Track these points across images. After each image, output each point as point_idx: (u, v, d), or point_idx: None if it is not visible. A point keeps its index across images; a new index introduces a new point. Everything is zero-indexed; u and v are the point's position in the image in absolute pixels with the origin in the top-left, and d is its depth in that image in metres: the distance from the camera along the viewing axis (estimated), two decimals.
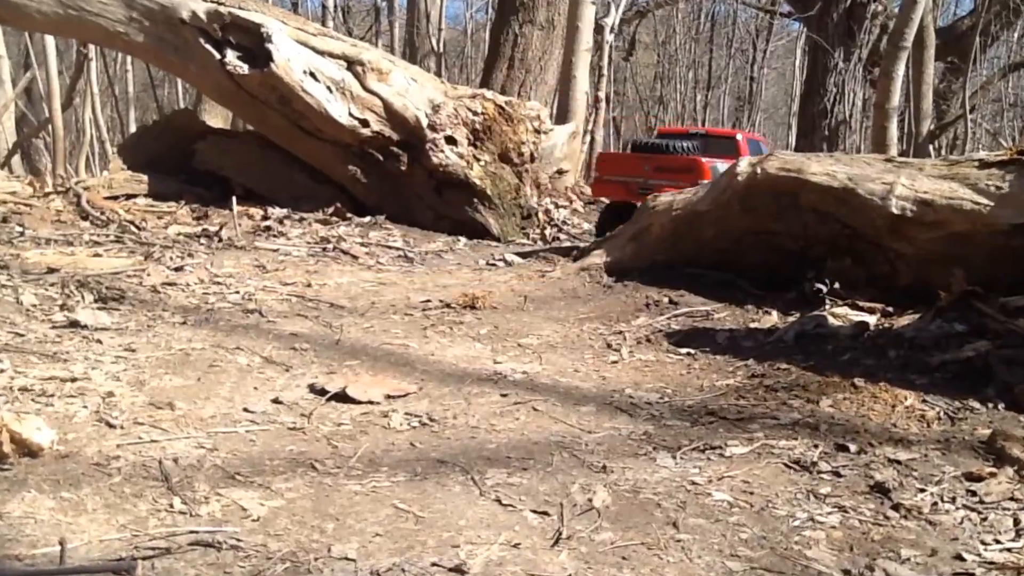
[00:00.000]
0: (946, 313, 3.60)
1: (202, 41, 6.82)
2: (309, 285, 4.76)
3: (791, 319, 4.07)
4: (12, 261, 4.43)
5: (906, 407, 2.95)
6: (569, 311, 4.48)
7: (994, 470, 2.44)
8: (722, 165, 6.16)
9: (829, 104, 13.21)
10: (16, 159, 11.99)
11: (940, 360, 3.28)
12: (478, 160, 7.27)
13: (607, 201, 7.80)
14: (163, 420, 2.65)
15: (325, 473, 2.35)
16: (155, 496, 2.14)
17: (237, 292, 4.42)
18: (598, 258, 5.33)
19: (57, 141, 10.86)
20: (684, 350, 3.77)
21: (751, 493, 2.32)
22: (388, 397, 3.00)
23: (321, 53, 7.10)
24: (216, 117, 11.41)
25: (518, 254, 6.33)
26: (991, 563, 1.97)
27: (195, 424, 2.65)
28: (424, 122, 7.13)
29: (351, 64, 7.20)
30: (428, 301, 4.52)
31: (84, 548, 1.88)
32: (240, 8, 6.86)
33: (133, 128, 16.42)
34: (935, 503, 2.27)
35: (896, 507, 2.24)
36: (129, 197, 6.99)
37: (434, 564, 1.88)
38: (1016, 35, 16.17)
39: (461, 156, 7.19)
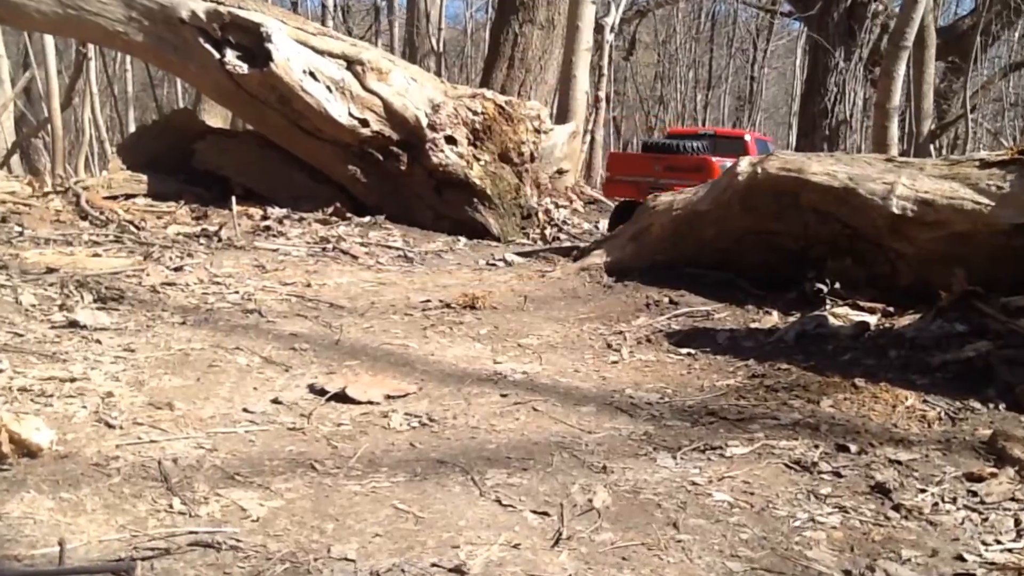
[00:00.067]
0: (947, 313, 3.60)
1: (201, 40, 6.82)
2: (309, 285, 4.76)
3: (792, 319, 4.07)
4: (11, 261, 4.42)
5: (907, 407, 2.94)
6: (569, 311, 4.47)
7: (995, 470, 2.43)
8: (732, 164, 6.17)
9: (830, 104, 13.21)
10: (15, 159, 11.98)
11: (941, 360, 3.28)
12: (478, 160, 7.26)
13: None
14: (162, 420, 2.65)
15: (325, 473, 2.35)
16: (154, 496, 2.14)
17: (236, 292, 4.42)
18: (598, 258, 5.33)
19: (56, 141, 10.85)
20: (684, 350, 3.77)
21: (751, 493, 2.31)
22: (388, 397, 2.99)
23: (321, 53, 7.10)
24: (215, 117, 11.41)
25: (518, 254, 6.33)
26: (992, 563, 1.97)
27: (194, 424, 2.65)
28: (424, 122, 7.13)
29: (351, 64, 7.20)
30: (428, 301, 4.52)
31: (83, 548, 1.87)
32: (239, 7, 6.86)
33: (132, 128, 16.42)
34: (936, 503, 2.27)
35: (897, 507, 2.23)
36: (128, 197, 6.99)
37: (434, 565, 1.88)
38: (1017, 35, 16.16)
39: (461, 156, 7.19)
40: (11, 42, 13.98)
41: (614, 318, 4.31)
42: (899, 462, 2.51)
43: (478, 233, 7.18)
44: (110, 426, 2.56)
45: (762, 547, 2.02)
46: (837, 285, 4.31)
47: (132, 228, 5.83)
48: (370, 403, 2.92)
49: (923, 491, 2.33)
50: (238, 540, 1.94)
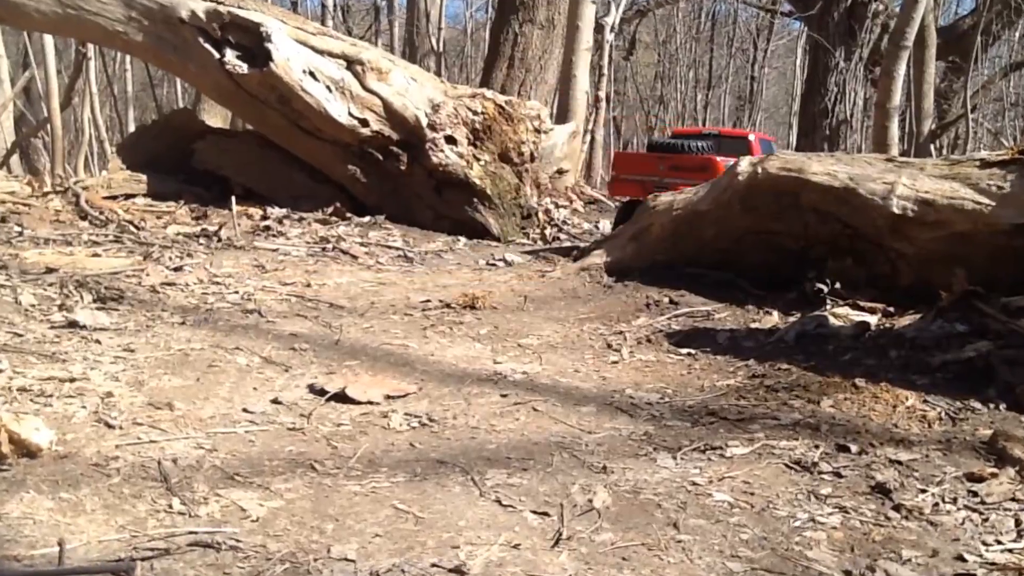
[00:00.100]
0: (947, 313, 3.60)
1: (201, 40, 6.81)
2: (308, 285, 4.76)
3: (792, 319, 4.07)
4: (11, 261, 4.42)
5: (907, 407, 2.94)
6: (569, 311, 4.47)
7: (995, 471, 2.43)
8: None
9: (830, 103, 13.22)
10: (15, 159, 11.98)
11: (941, 360, 3.27)
12: (478, 160, 7.25)
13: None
14: (162, 420, 2.64)
15: (324, 474, 2.34)
16: (154, 497, 2.14)
17: (236, 292, 4.42)
18: (598, 258, 5.32)
19: (56, 141, 10.84)
20: (685, 350, 3.77)
21: (752, 494, 2.31)
22: (388, 397, 2.99)
23: (320, 52, 7.09)
24: (215, 117, 11.40)
25: (518, 254, 6.33)
26: (992, 564, 1.97)
27: (194, 424, 2.64)
28: (424, 121, 7.12)
29: (351, 63, 7.19)
30: (428, 301, 4.51)
31: (83, 549, 1.87)
32: (239, 7, 6.85)
33: (132, 127, 16.42)
34: (936, 504, 2.27)
35: (897, 508, 2.23)
36: (128, 197, 6.98)
37: (434, 565, 1.87)
38: (1017, 34, 16.16)
39: (461, 156, 7.18)
40: (11, 42, 13.98)
41: (614, 318, 4.31)
42: (899, 462, 2.51)
43: (478, 233, 7.18)
44: (110, 426, 2.55)
45: (762, 547, 2.02)
46: (837, 285, 4.31)
47: (132, 228, 5.83)
48: (370, 403, 2.92)
49: (923, 491, 2.33)
50: (238, 540, 1.94)
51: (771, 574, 1.91)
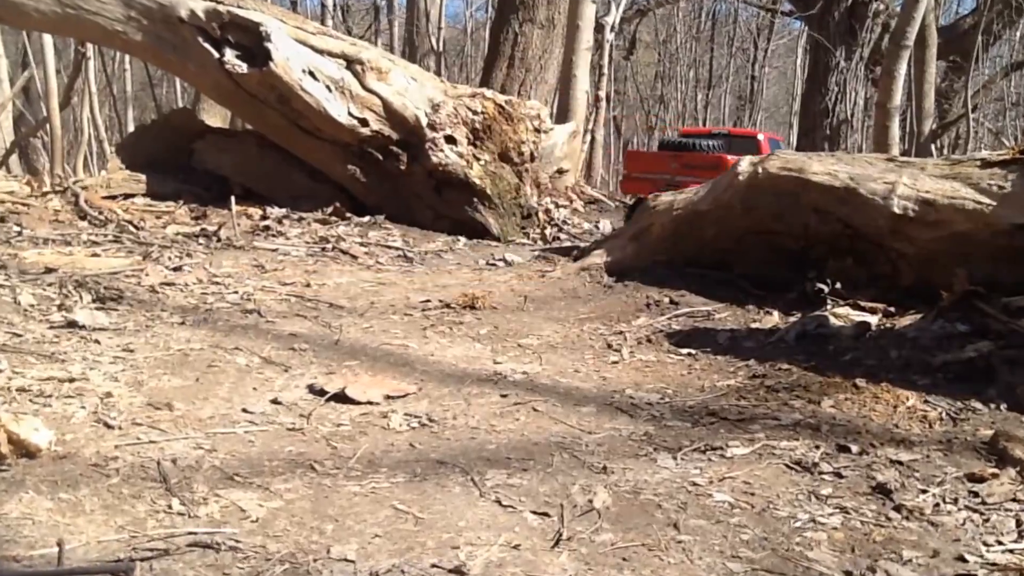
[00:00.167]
0: (948, 313, 3.59)
1: (200, 40, 6.80)
2: (308, 285, 4.75)
3: (792, 319, 4.06)
4: (10, 261, 4.41)
5: (908, 408, 2.94)
6: (569, 311, 4.47)
7: (996, 471, 2.43)
8: None
9: (831, 103, 13.22)
10: (14, 158, 11.99)
11: (942, 360, 3.27)
12: (478, 159, 7.25)
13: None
14: (161, 421, 2.64)
15: (324, 474, 2.34)
16: (153, 497, 2.13)
17: (236, 292, 4.41)
18: (598, 258, 5.32)
19: (55, 140, 10.84)
20: (685, 350, 3.76)
21: (752, 494, 2.31)
22: (387, 397, 2.99)
23: (320, 52, 7.08)
24: (215, 116, 11.39)
25: (518, 254, 6.32)
26: (993, 564, 1.96)
27: (193, 425, 2.64)
28: (424, 121, 7.12)
29: (350, 63, 7.18)
30: (428, 301, 4.51)
31: (82, 549, 1.87)
32: (238, 7, 6.85)
33: (131, 127, 16.43)
34: (937, 504, 2.26)
35: (898, 508, 2.23)
36: (127, 197, 6.97)
37: (434, 565, 1.87)
38: (1018, 34, 16.17)
39: (461, 155, 7.17)
40: (10, 41, 13.97)
41: (614, 318, 4.30)
42: (900, 463, 2.51)
43: (478, 233, 7.17)
44: (109, 426, 2.55)
45: (763, 548, 2.02)
46: (838, 285, 4.30)
47: (131, 228, 5.82)
48: (370, 403, 2.92)
49: (924, 492, 2.33)
50: (237, 541, 1.94)
51: (771, 574, 1.91)
